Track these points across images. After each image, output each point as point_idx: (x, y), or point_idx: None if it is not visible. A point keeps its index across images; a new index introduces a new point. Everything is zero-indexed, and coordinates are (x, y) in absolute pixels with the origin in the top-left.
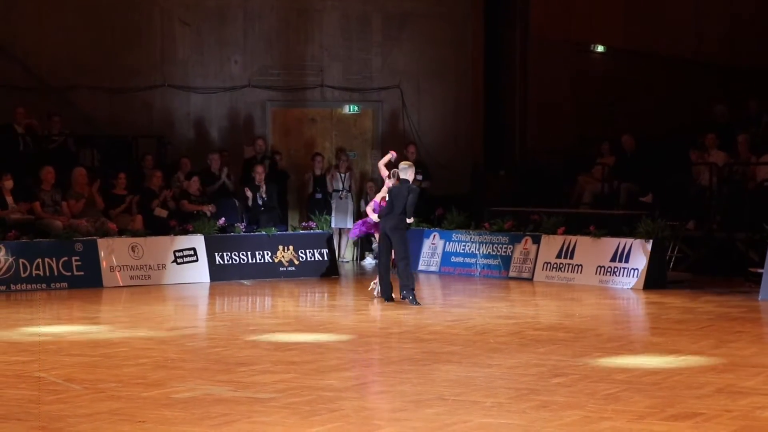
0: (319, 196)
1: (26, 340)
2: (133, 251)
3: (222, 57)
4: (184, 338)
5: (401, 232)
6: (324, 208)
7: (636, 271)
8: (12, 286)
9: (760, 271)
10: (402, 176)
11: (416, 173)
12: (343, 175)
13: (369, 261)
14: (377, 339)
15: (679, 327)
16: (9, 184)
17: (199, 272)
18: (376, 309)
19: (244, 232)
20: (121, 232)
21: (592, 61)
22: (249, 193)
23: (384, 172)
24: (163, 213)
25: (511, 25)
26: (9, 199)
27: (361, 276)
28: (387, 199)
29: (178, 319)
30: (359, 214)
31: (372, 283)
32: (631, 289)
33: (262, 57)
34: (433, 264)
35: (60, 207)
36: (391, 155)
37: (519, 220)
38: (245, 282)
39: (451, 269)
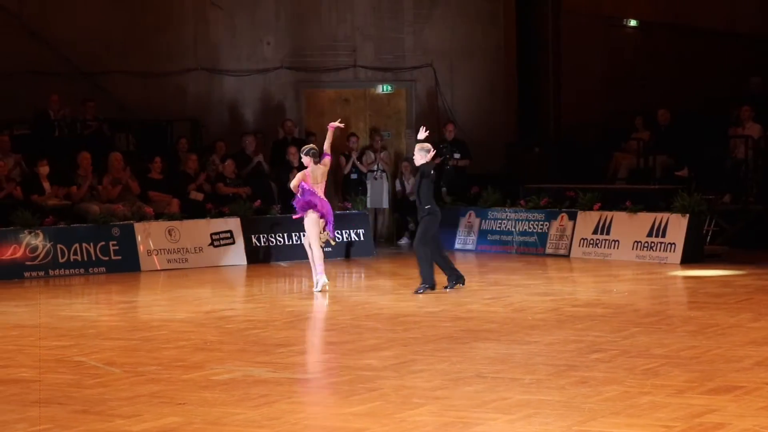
0: (354, 176)
1: (66, 325)
2: (170, 235)
3: (254, 39)
4: (223, 320)
5: (424, 219)
6: (360, 188)
7: (673, 245)
8: (50, 271)
9: None
10: (418, 162)
11: (452, 152)
12: (378, 155)
13: (405, 241)
14: (415, 318)
15: (717, 301)
16: (45, 170)
17: (236, 254)
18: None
19: (279, 214)
20: (158, 216)
21: (624, 35)
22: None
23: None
24: (199, 196)
25: (543, 1)
26: (45, 185)
27: (397, 256)
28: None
29: (216, 302)
30: (395, 194)
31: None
32: (668, 263)
33: (294, 38)
34: (470, 242)
35: (96, 192)
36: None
37: (555, 197)
38: (282, 264)
39: (487, 247)
